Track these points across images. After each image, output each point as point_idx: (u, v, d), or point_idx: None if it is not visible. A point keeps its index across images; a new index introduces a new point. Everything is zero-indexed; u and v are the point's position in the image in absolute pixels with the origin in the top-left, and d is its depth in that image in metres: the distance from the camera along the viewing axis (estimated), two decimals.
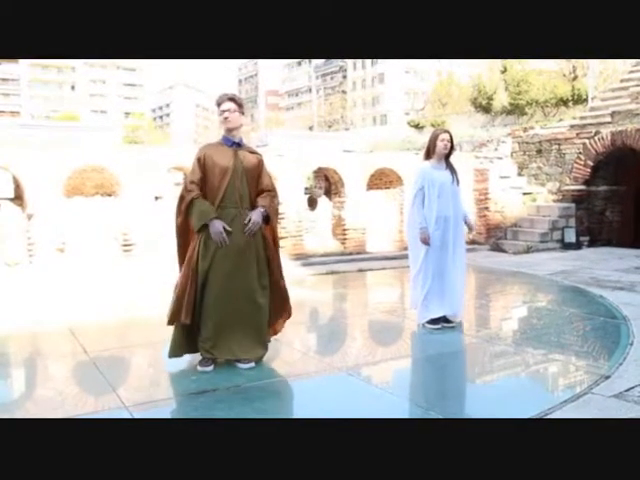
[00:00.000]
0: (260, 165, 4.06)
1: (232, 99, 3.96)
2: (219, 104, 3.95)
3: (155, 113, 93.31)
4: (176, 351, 3.97)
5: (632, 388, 3.48)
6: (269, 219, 4.03)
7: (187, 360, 4.09)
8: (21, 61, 71.02)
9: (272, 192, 4.08)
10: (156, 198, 9.26)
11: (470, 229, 5.33)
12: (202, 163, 3.89)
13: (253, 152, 4.09)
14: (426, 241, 5.01)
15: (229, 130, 3.97)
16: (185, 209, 3.91)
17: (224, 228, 3.82)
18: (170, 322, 3.93)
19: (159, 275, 7.81)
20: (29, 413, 3.39)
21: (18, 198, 8.44)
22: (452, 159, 5.21)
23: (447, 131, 5.18)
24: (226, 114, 3.92)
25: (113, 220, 8.65)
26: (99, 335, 5.18)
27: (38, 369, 4.48)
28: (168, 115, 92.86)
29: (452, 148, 5.13)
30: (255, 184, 4.00)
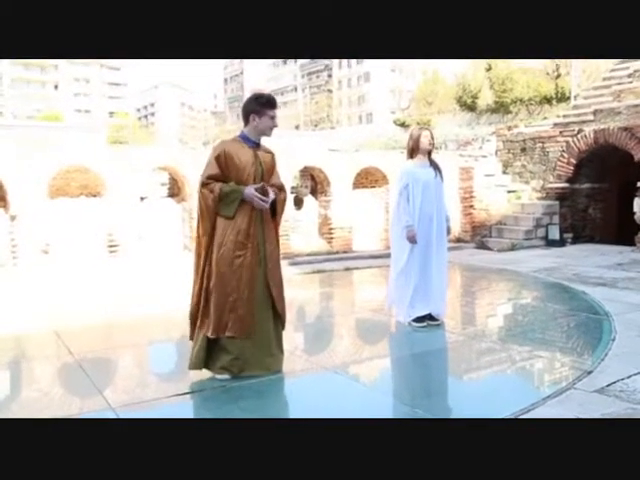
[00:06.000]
0: (275, 165, 3.97)
1: None
2: (272, 107, 3.80)
3: (140, 112, 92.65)
4: (199, 365, 3.74)
5: (613, 383, 3.53)
6: (275, 211, 3.90)
7: (173, 361, 4.09)
8: (2, 59, 70.10)
9: (282, 189, 3.96)
10: (141, 199, 9.22)
11: (447, 232, 5.35)
12: (222, 160, 3.70)
13: (268, 152, 3.96)
14: (413, 239, 5.04)
15: (264, 134, 3.86)
16: (215, 202, 3.65)
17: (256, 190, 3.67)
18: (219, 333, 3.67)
19: (144, 276, 7.78)
20: (15, 415, 3.36)
21: (1, 199, 8.36)
22: (436, 157, 5.29)
23: (427, 128, 5.29)
24: (276, 121, 3.85)
25: (98, 221, 8.60)
26: (84, 337, 5.16)
27: (23, 371, 4.45)
28: (153, 114, 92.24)
29: (433, 145, 5.23)
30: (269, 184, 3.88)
